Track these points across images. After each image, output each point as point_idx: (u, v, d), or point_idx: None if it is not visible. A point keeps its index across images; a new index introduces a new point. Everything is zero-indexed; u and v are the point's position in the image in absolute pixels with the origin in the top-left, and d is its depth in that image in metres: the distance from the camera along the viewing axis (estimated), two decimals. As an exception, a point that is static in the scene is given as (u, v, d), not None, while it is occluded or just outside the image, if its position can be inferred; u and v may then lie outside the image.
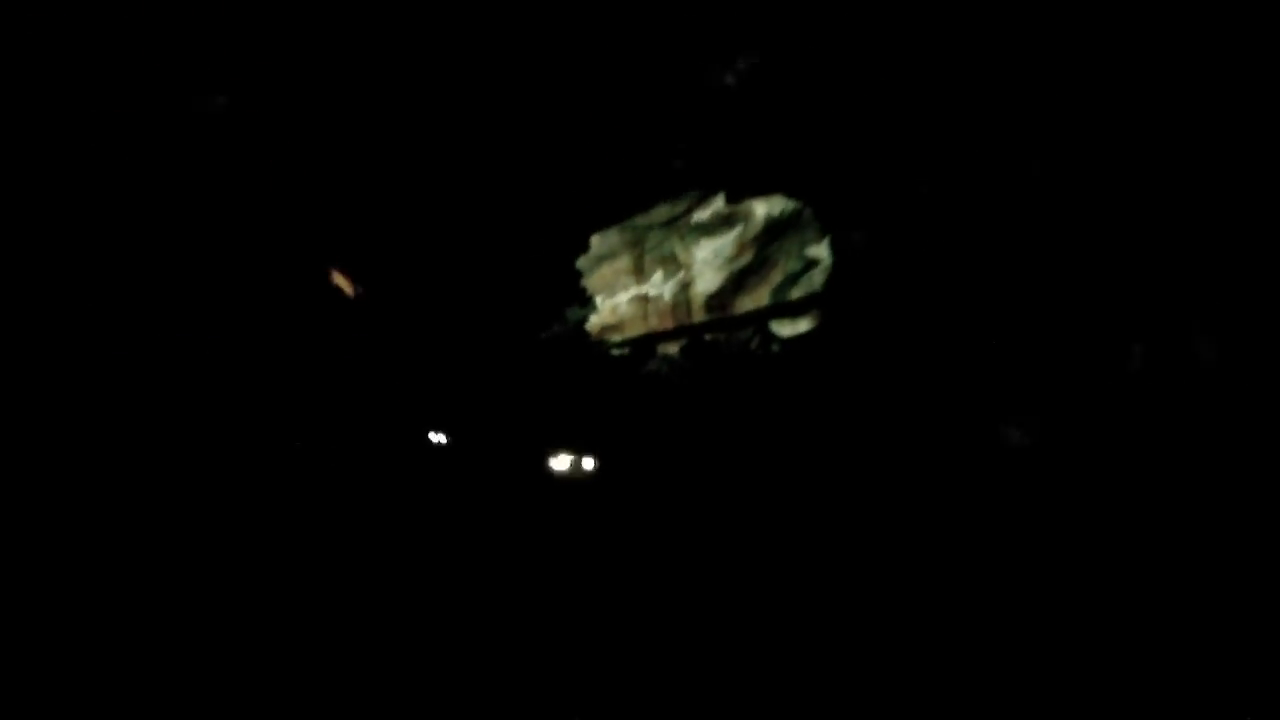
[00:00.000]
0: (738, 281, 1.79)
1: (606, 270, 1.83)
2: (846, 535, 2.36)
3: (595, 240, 1.83)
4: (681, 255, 1.81)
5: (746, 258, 1.79)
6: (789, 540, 2.23)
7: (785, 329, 1.76)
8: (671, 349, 1.81)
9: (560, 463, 1.91)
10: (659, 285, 1.81)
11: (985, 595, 2.47)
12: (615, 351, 1.81)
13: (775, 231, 1.78)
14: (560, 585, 2.40)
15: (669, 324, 1.81)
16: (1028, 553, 2.51)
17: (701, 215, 1.81)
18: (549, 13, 1.99)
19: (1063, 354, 2.55)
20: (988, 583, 2.49)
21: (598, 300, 1.83)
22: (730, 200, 1.79)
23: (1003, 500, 2.54)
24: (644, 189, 1.82)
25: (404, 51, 2.39)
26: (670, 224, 1.83)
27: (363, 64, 2.52)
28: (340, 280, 2.13)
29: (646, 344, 1.81)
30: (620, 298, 1.82)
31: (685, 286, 1.81)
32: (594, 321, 1.82)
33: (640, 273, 1.82)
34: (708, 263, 1.79)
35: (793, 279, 1.77)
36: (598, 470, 1.84)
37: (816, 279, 1.75)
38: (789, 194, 1.78)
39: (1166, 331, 2.58)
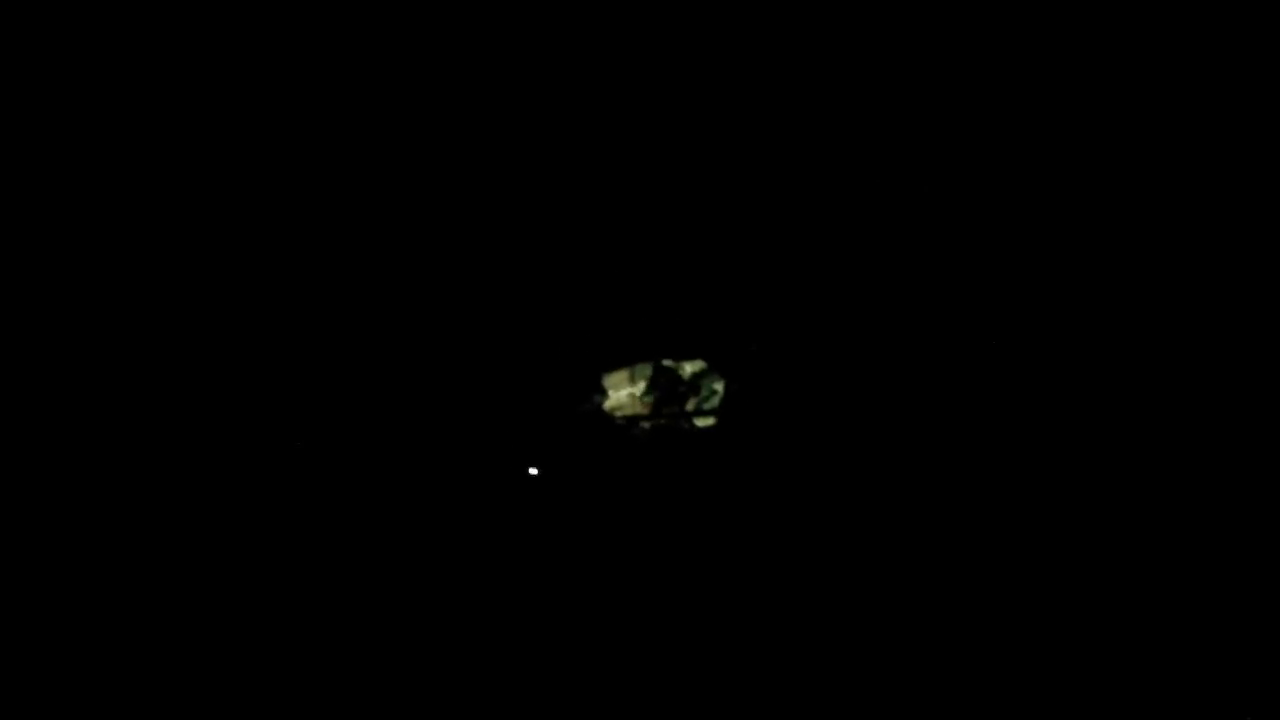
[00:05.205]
0: (682, 398, 3.53)
1: (616, 378, 3.49)
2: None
3: (614, 373, 3.51)
4: (652, 378, 3.53)
5: (684, 386, 3.54)
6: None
7: (700, 422, 3.52)
8: (646, 425, 3.47)
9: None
10: (641, 391, 3.49)
11: (981, 594, 2.50)
12: (619, 421, 3.44)
13: (696, 376, 3.57)
14: (558, 589, 2.75)
15: (645, 411, 3.49)
16: (1024, 552, 2.51)
17: (664, 363, 3.55)
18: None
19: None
20: (984, 582, 2.53)
21: (610, 393, 3.47)
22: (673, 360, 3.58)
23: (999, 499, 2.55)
24: (644, 350, 3.55)
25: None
26: (648, 364, 3.55)
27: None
28: None
29: (634, 420, 3.46)
30: (622, 393, 3.47)
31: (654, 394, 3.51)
32: (607, 405, 3.45)
33: (633, 383, 3.50)
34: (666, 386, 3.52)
35: (704, 400, 3.55)
36: (592, 488, 3.34)
37: (715, 400, 3.55)
38: (703, 358, 3.60)
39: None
